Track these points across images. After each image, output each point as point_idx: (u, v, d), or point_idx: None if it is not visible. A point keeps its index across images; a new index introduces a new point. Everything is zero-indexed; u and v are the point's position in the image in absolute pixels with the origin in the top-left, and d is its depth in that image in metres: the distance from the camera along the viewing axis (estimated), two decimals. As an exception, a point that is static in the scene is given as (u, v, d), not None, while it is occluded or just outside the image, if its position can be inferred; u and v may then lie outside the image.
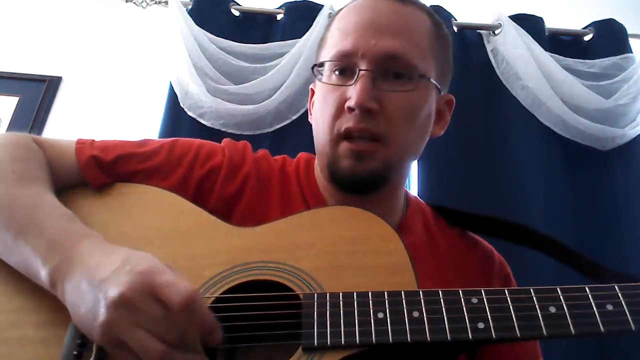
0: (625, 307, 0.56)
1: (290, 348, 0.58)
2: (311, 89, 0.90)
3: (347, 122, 0.74)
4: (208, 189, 0.79)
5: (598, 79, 1.90)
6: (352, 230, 0.69)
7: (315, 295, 0.61)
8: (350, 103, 0.73)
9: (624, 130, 1.83)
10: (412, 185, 1.82)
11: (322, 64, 0.80)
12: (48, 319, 0.63)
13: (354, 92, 0.73)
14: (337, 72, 0.78)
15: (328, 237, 0.68)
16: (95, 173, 0.76)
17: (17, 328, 0.62)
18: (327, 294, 0.61)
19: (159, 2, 2.18)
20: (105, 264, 0.58)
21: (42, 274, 0.61)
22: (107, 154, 0.77)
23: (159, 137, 1.79)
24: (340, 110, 0.75)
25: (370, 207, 0.72)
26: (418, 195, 1.76)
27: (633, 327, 0.55)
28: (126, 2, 2.20)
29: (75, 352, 0.58)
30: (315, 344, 0.57)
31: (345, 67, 0.77)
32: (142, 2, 2.20)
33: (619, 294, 0.57)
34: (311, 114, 0.88)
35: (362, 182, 0.75)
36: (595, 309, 0.56)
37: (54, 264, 0.60)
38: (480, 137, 1.86)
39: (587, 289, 0.58)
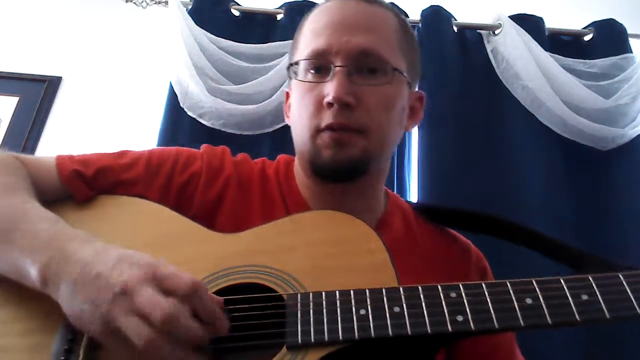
0: (599, 296, 0.57)
1: (279, 348, 0.59)
2: (286, 92, 0.92)
3: (327, 119, 0.75)
4: (189, 195, 0.80)
5: (598, 79, 1.90)
6: (333, 233, 0.70)
7: (299, 295, 0.62)
8: (329, 98, 0.74)
9: (624, 130, 1.83)
10: (412, 185, 1.82)
11: (297, 63, 0.82)
12: (35, 326, 0.63)
13: (331, 88, 0.75)
14: (312, 71, 0.80)
15: (310, 240, 0.70)
16: (79, 187, 0.77)
17: (2, 337, 0.62)
18: (310, 294, 0.62)
19: (159, 2, 2.18)
20: (102, 259, 0.58)
21: (32, 272, 0.61)
22: (88, 168, 0.79)
23: (159, 137, 1.81)
24: (318, 108, 0.77)
25: (352, 200, 0.75)
26: (418, 195, 1.77)
27: (608, 315, 0.56)
28: (126, 2, 2.20)
29: (62, 358, 0.59)
30: (299, 341, 0.58)
31: (320, 65, 0.79)
32: (142, 2, 2.20)
33: (593, 284, 0.58)
34: (288, 117, 0.90)
35: (344, 171, 0.77)
36: (570, 299, 0.58)
37: (44, 262, 0.60)
38: (480, 137, 1.86)
39: (561, 280, 0.59)
